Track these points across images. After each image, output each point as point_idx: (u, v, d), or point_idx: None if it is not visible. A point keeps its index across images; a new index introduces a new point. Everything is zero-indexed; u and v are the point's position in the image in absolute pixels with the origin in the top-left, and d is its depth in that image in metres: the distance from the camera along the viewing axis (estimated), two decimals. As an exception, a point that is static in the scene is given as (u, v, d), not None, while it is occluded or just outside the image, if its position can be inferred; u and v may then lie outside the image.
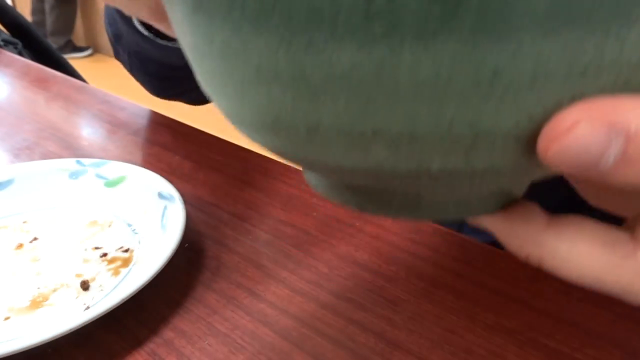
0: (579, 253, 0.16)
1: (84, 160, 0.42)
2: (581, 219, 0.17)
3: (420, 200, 0.17)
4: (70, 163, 0.42)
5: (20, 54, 0.86)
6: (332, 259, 0.35)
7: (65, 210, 0.40)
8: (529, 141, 0.13)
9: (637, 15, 0.11)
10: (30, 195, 0.41)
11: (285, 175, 0.45)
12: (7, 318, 0.30)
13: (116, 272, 0.34)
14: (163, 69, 0.51)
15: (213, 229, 0.38)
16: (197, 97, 0.57)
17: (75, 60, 3.53)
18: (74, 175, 0.42)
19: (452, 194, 0.17)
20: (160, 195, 0.38)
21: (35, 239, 0.37)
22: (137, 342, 0.29)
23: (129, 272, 0.34)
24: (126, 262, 0.35)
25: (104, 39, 3.69)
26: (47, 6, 3.44)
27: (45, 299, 0.32)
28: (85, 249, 0.36)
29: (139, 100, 0.58)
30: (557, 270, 0.17)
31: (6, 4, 0.91)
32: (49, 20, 3.45)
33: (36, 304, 0.31)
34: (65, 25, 3.52)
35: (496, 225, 0.18)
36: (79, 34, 3.80)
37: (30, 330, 0.29)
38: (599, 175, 0.13)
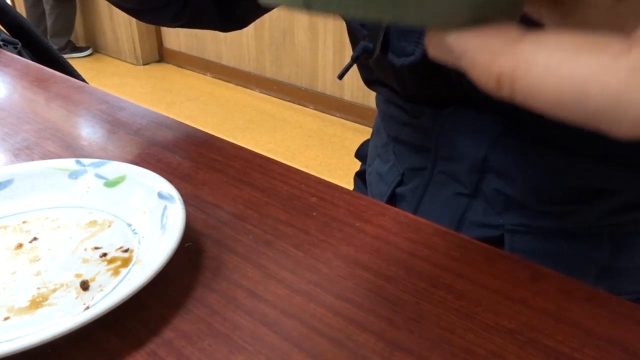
0: (559, 61, 0.13)
1: (84, 160, 0.42)
2: (564, 30, 0.14)
3: None
4: (69, 163, 0.42)
5: (20, 54, 0.86)
6: (332, 259, 0.35)
7: (65, 210, 0.40)
8: None
9: None
10: (29, 195, 0.41)
11: (285, 175, 0.45)
12: (6, 318, 0.30)
13: (116, 272, 0.34)
14: None
15: (213, 229, 0.38)
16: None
17: (75, 60, 3.53)
18: (73, 175, 0.42)
19: None
20: (160, 195, 0.38)
21: (35, 239, 0.37)
22: (137, 342, 0.29)
23: (128, 272, 0.34)
24: (126, 262, 0.35)
25: (104, 39, 3.70)
26: (47, 7, 3.43)
27: (45, 299, 0.32)
28: (85, 249, 0.36)
29: (138, 100, 0.58)
30: (533, 88, 0.14)
31: (6, 4, 0.91)
32: (49, 22, 3.45)
33: (36, 304, 0.31)
34: (65, 26, 3.52)
35: (463, 40, 0.15)
36: (78, 34, 3.80)
37: (30, 330, 0.29)
38: None
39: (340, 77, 0.46)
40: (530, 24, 0.20)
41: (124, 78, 3.37)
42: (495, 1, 0.16)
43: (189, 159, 0.47)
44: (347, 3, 0.15)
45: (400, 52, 0.42)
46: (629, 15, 0.16)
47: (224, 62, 3.21)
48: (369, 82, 0.54)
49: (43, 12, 3.48)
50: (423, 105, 0.47)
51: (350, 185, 0.61)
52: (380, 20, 0.15)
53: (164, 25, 0.59)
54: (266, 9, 0.57)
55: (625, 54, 0.13)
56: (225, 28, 0.58)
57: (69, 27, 3.55)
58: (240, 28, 0.59)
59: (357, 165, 0.68)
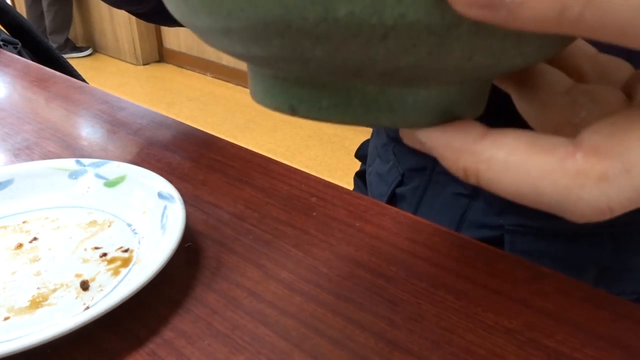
0: (516, 160, 0.15)
1: (84, 160, 0.42)
2: (520, 129, 0.16)
3: (351, 100, 0.17)
4: (70, 163, 0.42)
5: (20, 54, 0.86)
6: (332, 259, 0.35)
7: (65, 210, 0.40)
8: None
9: None
10: (29, 195, 0.41)
11: (285, 175, 0.45)
12: (6, 318, 0.30)
13: (116, 272, 0.34)
14: None
15: (213, 229, 0.38)
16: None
17: (75, 60, 3.53)
18: (73, 175, 0.42)
19: (384, 96, 0.17)
20: (160, 195, 0.38)
21: (34, 239, 0.37)
22: (137, 342, 0.29)
23: (128, 272, 0.34)
24: (126, 262, 0.35)
25: (104, 39, 3.70)
26: (45, 4, 3.44)
27: (45, 299, 0.32)
28: (85, 249, 0.36)
29: (138, 100, 0.58)
30: (495, 182, 0.16)
31: (6, 4, 0.91)
32: (47, 19, 3.45)
33: (36, 304, 0.31)
34: (63, 22, 3.52)
35: (431, 137, 0.17)
36: (78, 34, 3.80)
37: (30, 330, 0.29)
38: (507, 16, 0.12)
39: None
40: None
41: (124, 78, 3.37)
42: (457, 104, 0.18)
43: (189, 159, 0.47)
44: (328, 111, 0.17)
45: None
46: (581, 102, 0.19)
47: (224, 62, 3.21)
48: None
49: (42, 12, 3.49)
50: None
51: (350, 185, 0.61)
52: (357, 124, 0.18)
53: (170, 26, 0.59)
54: None
55: (570, 157, 0.15)
56: None
57: (67, 23, 3.55)
58: None
59: (357, 165, 0.68)
